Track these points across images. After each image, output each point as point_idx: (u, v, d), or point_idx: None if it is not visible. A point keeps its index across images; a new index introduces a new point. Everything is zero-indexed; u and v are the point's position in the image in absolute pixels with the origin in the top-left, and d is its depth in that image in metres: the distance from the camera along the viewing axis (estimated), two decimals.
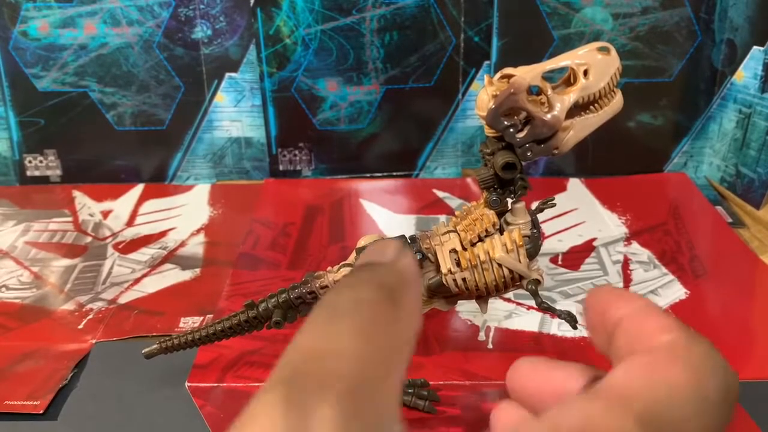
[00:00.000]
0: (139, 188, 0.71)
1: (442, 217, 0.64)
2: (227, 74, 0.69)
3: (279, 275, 0.55)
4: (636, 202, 0.66)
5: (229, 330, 0.40)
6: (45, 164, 0.71)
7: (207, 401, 0.42)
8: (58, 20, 0.66)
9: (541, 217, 0.36)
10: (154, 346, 0.42)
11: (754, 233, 0.62)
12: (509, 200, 0.33)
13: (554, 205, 0.35)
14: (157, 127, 0.70)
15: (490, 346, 0.47)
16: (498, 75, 0.32)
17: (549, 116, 0.30)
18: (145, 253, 0.59)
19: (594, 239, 0.60)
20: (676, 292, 0.53)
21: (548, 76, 0.31)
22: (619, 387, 0.17)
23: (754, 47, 0.64)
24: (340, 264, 0.37)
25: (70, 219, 0.65)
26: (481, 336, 0.48)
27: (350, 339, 0.17)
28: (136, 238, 0.62)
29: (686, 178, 0.71)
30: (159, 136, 0.70)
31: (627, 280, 0.55)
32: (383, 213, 0.65)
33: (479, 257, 0.32)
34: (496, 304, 0.51)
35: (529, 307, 0.51)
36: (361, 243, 0.36)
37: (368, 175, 0.72)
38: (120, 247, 0.60)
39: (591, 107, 0.32)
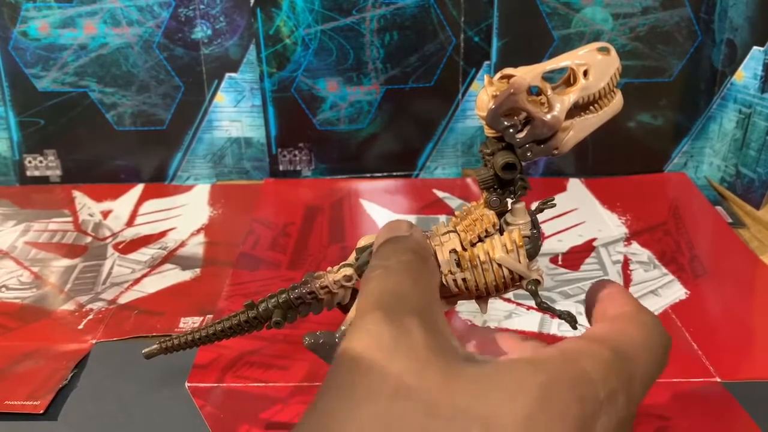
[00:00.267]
0: (139, 188, 0.71)
1: (442, 217, 0.64)
2: (227, 74, 0.69)
3: (279, 275, 0.55)
4: (636, 202, 0.66)
5: (229, 330, 0.40)
6: (45, 164, 0.71)
7: (207, 401, 0.42)
8: (58, 20, 0.66)
9: (541, 217, 0.36)
10: (154, 346, 0.42)
11: (754, 233, 0.62)
12: (509, 200, 0.33)
13: (554, 205, 0.35)
14: (157, 127, 0.70)
15: None
16: (498, 75, 0.32)
17: (549, 117, 0.30)
18: (145, 253, 0.59)
19: (594, 239, 0.60)
20: (676, 292, 0.53)
21: (548, 77, 0.31)
22: (598, 334, 0.26)
23: (754, 47, 0.64)
24: (340, 264, 0.37)
25: (70, 219, 0.65)
26: None
27: (409, 284, 0.27)
28: (136, 238, 0.62)
29: (686, 178, 0.71)
30: (159, 136, 0.70)
31: (627, 280, 0.55)
32: (383, 213, 0.65)
33: (479, 258, 0.32)
34: (496, 304, 0.51)
35: (529, 307, 0.51)
36: (361, 243, 0.36)
37: (368, 175, 0.72)
38: (120, 247, 0.60)
39: (591, 107, 0.32)
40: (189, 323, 0.50)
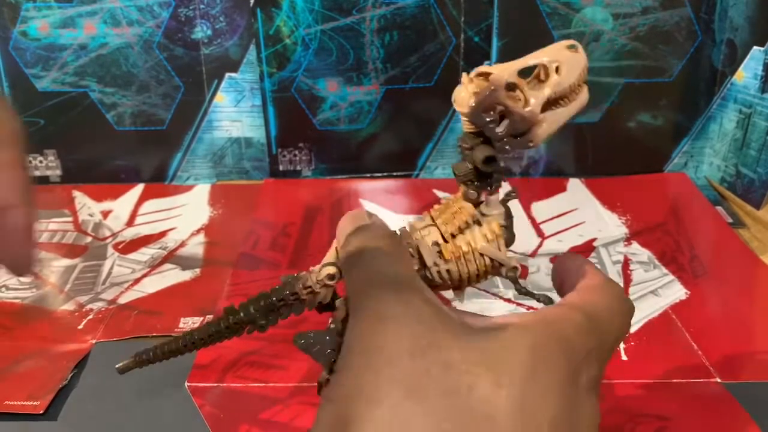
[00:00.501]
0: (139, 188, 0.71)
1: None
2: (227, 74, 0.69)
3: (279, 275, 0.55)
4: (636, 202, 0.66)
5: (209, 338, 0.38)
6: (45, 164, 0.71)
7: (207, 401, 0.42)
8: (58, 20, 0.66)
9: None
10: (128, 360, 0.39)
11: (754, 233, 0.62)
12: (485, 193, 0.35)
13: (516, 197, 0.36)
14: (157, 127, 0.70)
15: None
16: (474, 73, 0.33)
17: (526, 111, 0.32)
18: (145, 253, 0.59)
19: (594, 239, 0.60)
20: (676, 292, 0.53)
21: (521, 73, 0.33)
22: (573, 302, 0.29)
23: (754, 47, 0.64)
24: (322, 263, 0.37)
25: (70, 219, 0.65)
26: None
27: (394, 263, 0.29)
28: (136, 238, 0.62)
29: (686, 178, 0.71)
30: (159, 136, 0.70)
31: (627, 280, 0.55)
32: (383, 213, 0.65)
33: (462, 248, 0.34)
34: (496, 305, 0.51)
35: (529, 307, 0.51)
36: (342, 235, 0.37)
37: (368, 175, 0.72)
38: (120, 247, 0.60)
39: (560, 102, 0.33)
40: (189, 323, 0.50)
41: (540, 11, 0.66)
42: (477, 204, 0.35)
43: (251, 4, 0.66)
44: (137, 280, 0.55)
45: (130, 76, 0.68)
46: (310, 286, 0.36)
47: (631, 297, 0.53)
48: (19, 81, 0.68)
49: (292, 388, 0.44)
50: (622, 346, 0.47)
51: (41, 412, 0.42)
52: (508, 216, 0.35)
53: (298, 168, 0.72)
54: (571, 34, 0.67)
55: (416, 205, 0.67)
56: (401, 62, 0.68)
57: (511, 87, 0.32)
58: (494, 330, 0.25)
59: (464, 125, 0.33)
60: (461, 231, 0.34)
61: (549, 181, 0.70)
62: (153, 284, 0.55)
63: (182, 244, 0.61)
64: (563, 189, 0.69)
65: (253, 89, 0.69)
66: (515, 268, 0.34)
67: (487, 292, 0.52)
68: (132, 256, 0.59)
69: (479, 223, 0.34)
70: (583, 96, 0.34)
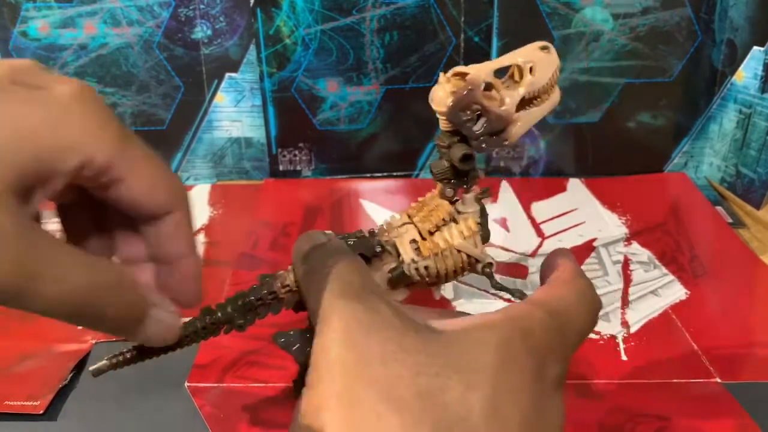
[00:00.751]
0: None
1: None
2: (227, 74, 0.69)
3: None
4: (636, 202, 0.66)
5: (185, 339, 0.36)
6: None
7: (207, 401, 0.42)
8: (58, 20, 0.66)
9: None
10: (103, 362, 0.37)
11: (754, 233, 0.62)
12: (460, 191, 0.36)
13: (490, 194, 0.37)
14: (157, 127, 0.70)
15: None
16: (450, 72, 0.34)
17: (502, 110, 0.33)
18: None
19: (594, 239, 0.60)
20: (676, 292, 0.53)
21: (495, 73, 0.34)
22: (537, 298, 0.29)
23: (755, 47, 0.64)
24: None
25: None
26: None
27: (357, 275, 0.28)
28: None
29: (686, 178, 0.71)
30: (159, 136, 0.70)
31: (627, 280, 0.55)
32: (383, 213, 0.65)
33: (439, 245, 0.34)
34: (495, 304, 0.51)
35: None
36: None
37: (368, 175, 0.72)
38: None
39: (533, 101, 0.34)
40: None
41: (540, 11, 0.66)
42: (453, 202, 0.36)
43: (251, 4, 0.66)
44: None
45: (130, 76, 0.68)
46: (288, 285, 0.36)
47: (631, 297, 0.53)
48: None
49: (292, 388, 0.43)
50: (622, 346, 0.47)
51: (41, 412, 0.42)
52: (483, 213, 0.36)
53: (298, 168, 0.72)
54: (571, 34, 0.67)
55: None
56: (401, 62, 0.68)
57: (487, 87, 0.33)
58: (460, 331, 0.26)
59: (441, 124, 0.34)
60: (438, 228, 0.35)
61: (549, 181, 0.70)
62: None
63: None
64: (563, 189, 0.69)
65: (253, 89, 0.69)
66: (490, 264, 0.35)
67: (487, 292, 0.52)
68: None
69: (455, 221, 0.35)
70: (555, 96, 0.35)
